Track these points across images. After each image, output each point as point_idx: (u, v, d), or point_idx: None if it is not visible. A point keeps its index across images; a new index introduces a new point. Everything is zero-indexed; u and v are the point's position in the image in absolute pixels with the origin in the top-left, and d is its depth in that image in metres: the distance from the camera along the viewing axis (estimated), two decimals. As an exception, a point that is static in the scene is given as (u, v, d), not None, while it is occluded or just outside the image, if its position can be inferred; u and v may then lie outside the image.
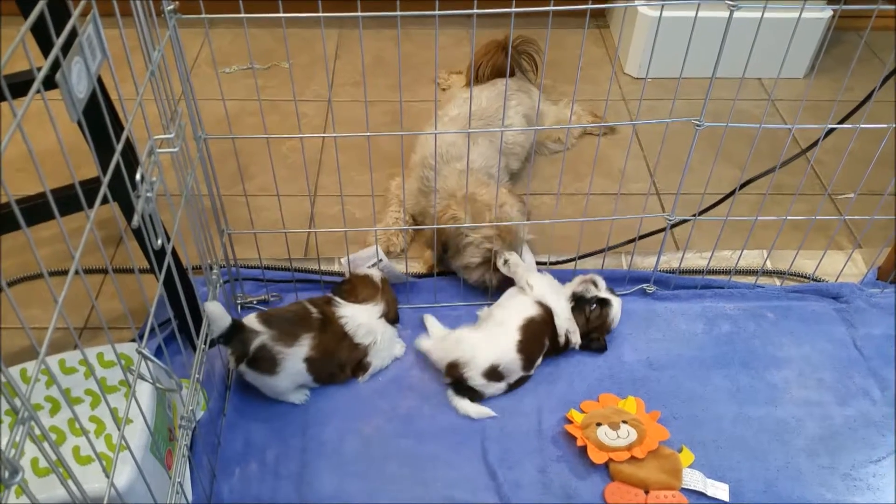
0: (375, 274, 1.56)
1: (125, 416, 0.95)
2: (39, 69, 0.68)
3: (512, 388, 1.48)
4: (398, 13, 1.17)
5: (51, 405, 1.18)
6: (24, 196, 1.17)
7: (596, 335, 1.55)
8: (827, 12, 2.35)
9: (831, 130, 1.46)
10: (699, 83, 1.47)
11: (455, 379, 1.44)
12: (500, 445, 1.39)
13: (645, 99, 2.34)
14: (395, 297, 1.59)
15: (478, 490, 1.33)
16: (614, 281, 1.68)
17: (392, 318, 1.55)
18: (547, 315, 1.50)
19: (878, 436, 1.43)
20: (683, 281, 1.72)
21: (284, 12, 1.17)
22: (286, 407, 1.45)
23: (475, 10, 1.17)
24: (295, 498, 1.31)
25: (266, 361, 1.37)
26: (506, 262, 1.56)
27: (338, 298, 1.50)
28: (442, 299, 1.68)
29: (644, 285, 1.70)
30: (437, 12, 1.18)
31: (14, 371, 1.22)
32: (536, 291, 1.52)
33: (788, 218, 1.55)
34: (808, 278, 1.77)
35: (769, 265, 1.78)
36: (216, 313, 1.31)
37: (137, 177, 0.92)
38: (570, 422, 1.41)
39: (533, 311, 1.49)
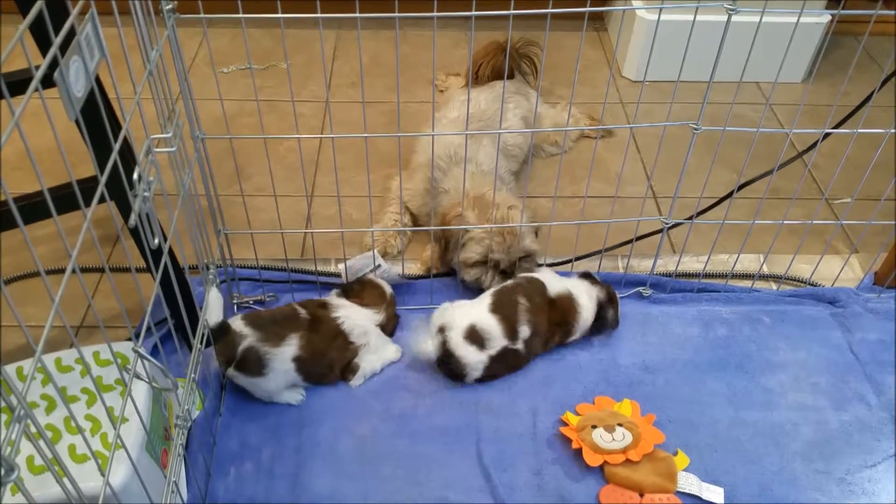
0: (388, 288, 1.58)
1: (121, 415, 0.95)
2: (37, 67, 0.68)
3: (496, 367, 1.47)
4: (396, 14, 1.17)
5: (47, 403, 1.18)
6: (22, 194, 1.17)
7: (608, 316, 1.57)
8: (825, 17, 2.35)
9: (828, 134, 1.47)
10: (697, 87, 1.47)
11: (442, 348, 1.46)
12: (494, 447, 1.39)
13: (642, 102, 2.34)
14: (397, 315, 1.61)
15: (472, 491, 1.33)
16: (610, 283, 1.69)
17: (388, 332, 1.57)
18: (532, 286, 1.53)
19: (874, 441, 1.43)
20: (680, 284, 1.72)
21: (282, 13, 1.17)
22: (281, 406, 1.45)
23: (473, 13, 1.18)
24: (289, 498, 1.31)
25: (253, 363, 1.37)
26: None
27: (340, 298, 1.51)
28: (438, 300, 1.67)
29: (640, 288, 1.70)
30: (435, 14, 1.19)
31: (10, 369, 1.22)
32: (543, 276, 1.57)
33: (785, 222, 1.56)
34: (805, 283, 1.78)
35: (766, 269, 1.79)
36: (212, 304, 1.33)
37: (135, 176, 0.92)
38: (566, 424, 1.42)
39: (509, 283, 1.56)
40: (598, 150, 2.14)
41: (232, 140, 1.40)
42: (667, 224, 1.57)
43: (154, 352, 1.46)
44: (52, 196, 0.74)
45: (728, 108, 1.41)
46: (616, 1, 2.64)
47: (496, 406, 1.46)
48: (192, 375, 1.29)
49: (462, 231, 1.62)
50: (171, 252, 1.17)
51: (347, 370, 1.49)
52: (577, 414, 1.44)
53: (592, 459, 1.34)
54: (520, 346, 1.49)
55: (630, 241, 1.67)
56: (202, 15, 1.19)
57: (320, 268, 1.73)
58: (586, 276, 1.62)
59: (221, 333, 1.36)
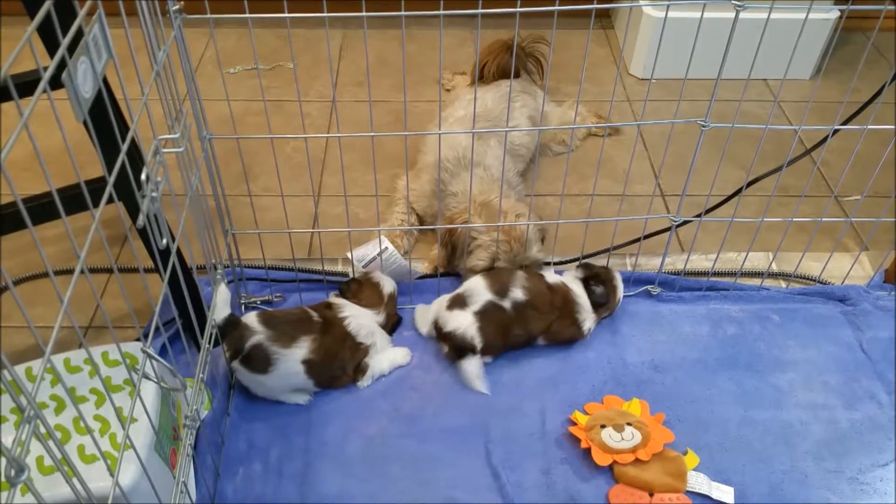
0: (386, 286, 1.56)
1: (130, 415, 0.95)
2: (44, 69, 0.68)
3: (487, 331, 1.46)
4: (402, 13, 1.17)
5: (56, 404, 1.18)
6: (30, 195, 1.17)
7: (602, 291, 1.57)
8: (834, 13, 2.34)
9: (837, 130, 1.46)
10: (704, 84, 1.47)
11: (439, 336, 1.49)
12: (503, 447, 1.39)
13: (650, 100, 2.33)
14: (396, 313, 1.60)
15: (480, 491, 1.33)
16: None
17: (388, 331, 1.56)
18: (529, 271, 1.57)
19: (885, 440, 1.42)
20: (688, 283, 1.72)
21: (288, 12, 1.17)
22: (289, 406, 1.45)
23: (480, 11, 1.17)
24: (297, 498, 1.31)
25: (259, 361, 1.37)
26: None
27: (340, 299, 1.51)
28: (446, 300, 1.68)
29: (649, 287, 1.70)
30: (441, 12, 1.18)
31: (19, 369, 1.22)
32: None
33: (794, 220, 1.55)
34: (814, 281, 1.77)
35: (775, 267, 1.78)
36: (221, 299, 1.34)
37: (143, 177, 0.93)
38: (574, 423, 1.41)
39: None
40: (605, 148, 2.13)
41: (239, 140, 1.40)
42: (675, 222, 1.56)
43: (162, 352, 1.46)
44: (60, 197, 0.73)
45: (735, 105, 1.41)
46: (623, -2, 2.63)
47: (504, 406, 1.46)
48: (201, 375, 1.29)
49: (469, 238, 1.62)
50: (178, 252, 1.17)
51: (358, 371, 1.49)
52: (586, 413, 1.43)
53: (602, 459, 1.34)
54: (507, 304, 1.48)
55: (638, 240, 1.66)
56: (209, 15, 1.19)
57: (327, 267, 1.73)
58: (578, 267, 1.64)
59: (231, 327, 1.36)
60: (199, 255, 1.38)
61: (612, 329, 1.62)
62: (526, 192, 1.77)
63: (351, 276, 1.63)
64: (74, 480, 0.76)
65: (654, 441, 1.36)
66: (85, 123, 0.79)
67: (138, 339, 1.32)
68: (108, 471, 0.88)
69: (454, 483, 1.34)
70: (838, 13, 2.34)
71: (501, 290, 1.49)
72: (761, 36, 1.30)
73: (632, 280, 1.70)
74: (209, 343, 1.34)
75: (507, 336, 1.50)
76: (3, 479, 0.62)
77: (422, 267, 1.77)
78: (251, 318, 1.39)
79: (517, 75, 2.16)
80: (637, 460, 1.34)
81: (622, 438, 1.36)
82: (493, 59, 2.08)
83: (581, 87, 1.52)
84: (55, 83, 0.70)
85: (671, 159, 1.80)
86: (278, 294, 1.66)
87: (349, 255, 1.58)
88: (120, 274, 1.38)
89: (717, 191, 1.60)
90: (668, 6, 1.33)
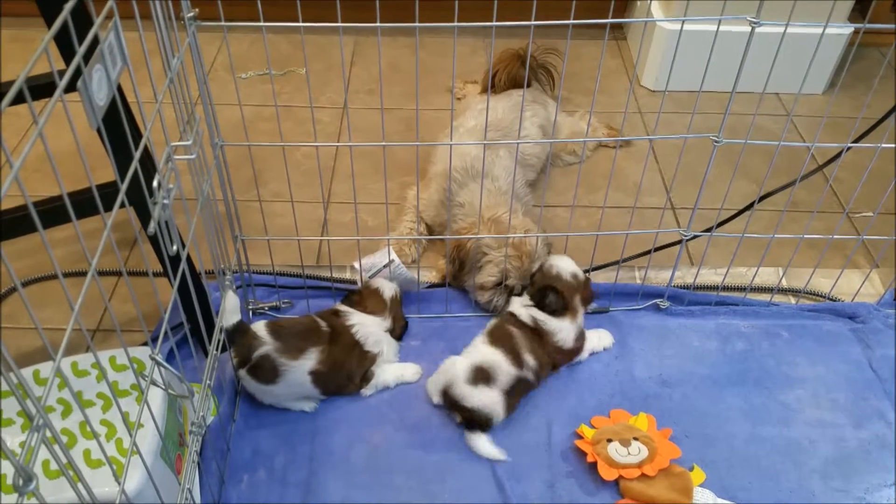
0: (387, 291, 1.55)
1: (137, 421, 0.95)
2: (59, 73, 0.68)
3: (513, 396, 1.43)
4: (416, 24, 1.17)
5: (62, 407, 1.18)
6: (42, 199, 1.17)
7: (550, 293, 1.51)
8: (848, 28, 2.33)
9: (850, 148, 1.45)
10: (716, 97, 1.46)
11: (453, 406, 1.42)
12: (509, 458, 1.38)
13: (662, 112, 2.33)
14: (402, 316, 1.59)
15: (485, 502, 1.32)
16: (627, 295, 1.68)
17: (396, 336, 1.56)
18: (512, 319, 1.51)
19: (894, 459, 1.41)
20: (697, 297, 1.71)
21: (301, 16, 1.17)
22: (295, 414, 1.45)
23: (494, 23, 1.17)
24: (302, 506, 1.31)
25: (266, 371, 1.37)
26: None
27: (346, 307, 1.50)
28: (453, 310, 1.68)
29: (658, 300, 1.69)
30: (455, 24, 1.18)
31: (27, 372, 1.23)
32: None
33: (805, 236, 1.54)
34: (824, 297, 1.76)
35: (785, 283, 1.77)
36: (230, 306, 1.34)
37: (155, 184, 0.93)
38: (581, 437, 1.40)
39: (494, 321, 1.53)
40: (616, 160, 2.12)
41: (250, 146, 1.40)
42: (685, 236, 1.55)
43: (170, 357, 1.47)
44: (71, 201, 0.73)
45: (748, 119, 1.40)
46: (636, 12, 2.62)
47: (510, 417, 1.45)
48: (208, 382, 1.29)
49: (480, 254, 1.61)
50: (188, 257, 1.17)
51: (364, 379, 1.48)
52: (593, 427, 1.42)
53: (607, 473, 1.33)
54: (529, 375, 1.44)
55: (648, 253, 1.66)
56: (223, 22, 1.19)
57: (336, 275, 1.73)
58: (518, 296, 1.59)
59: (239, 334, 1.36)
60: (208, 260, 1.38)
61: (619, 342, 1.61)
62: (535, 204, 1.76)
63: (358, 284, 1.62)
64: (79, 485, 0.76)
65: (661, 456, 1.35)
66: (98, 130, 0.79)
67: (146, 343, 1.32)
68: (113, 476, 0.88)
69: (459, 494, 1.33)
70: (852, 28, 2.33)
71: (517, 359, 1.43)
72: (777, 51, 1.29)
73: (641, 293, 1.69)
74: (217, 349, 1.34)
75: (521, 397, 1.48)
76: (9, 482, 0.61)
77: (430, 276, 1.77)
78: (260, 328, 1.39)
79: (528, 85, 2.16)
80: (643, 475, 1.33)
81: (629, 453, 1.35)
82: (504, 68, 2.08)
83: (594, 98, 1.52)
84: (68, 87, 0.70)
85: (683, 173, 1.79)
86: (286, 300, 1.66)
87: (356, 264, 1.58)
88: (129, 277, 1.38)
89: (729, 205, 1.60)
90: (683, 21, 1.33)
